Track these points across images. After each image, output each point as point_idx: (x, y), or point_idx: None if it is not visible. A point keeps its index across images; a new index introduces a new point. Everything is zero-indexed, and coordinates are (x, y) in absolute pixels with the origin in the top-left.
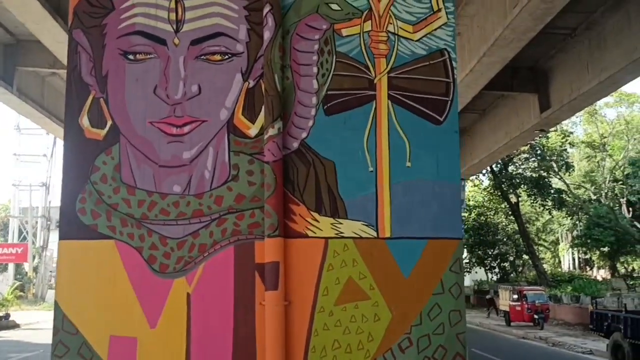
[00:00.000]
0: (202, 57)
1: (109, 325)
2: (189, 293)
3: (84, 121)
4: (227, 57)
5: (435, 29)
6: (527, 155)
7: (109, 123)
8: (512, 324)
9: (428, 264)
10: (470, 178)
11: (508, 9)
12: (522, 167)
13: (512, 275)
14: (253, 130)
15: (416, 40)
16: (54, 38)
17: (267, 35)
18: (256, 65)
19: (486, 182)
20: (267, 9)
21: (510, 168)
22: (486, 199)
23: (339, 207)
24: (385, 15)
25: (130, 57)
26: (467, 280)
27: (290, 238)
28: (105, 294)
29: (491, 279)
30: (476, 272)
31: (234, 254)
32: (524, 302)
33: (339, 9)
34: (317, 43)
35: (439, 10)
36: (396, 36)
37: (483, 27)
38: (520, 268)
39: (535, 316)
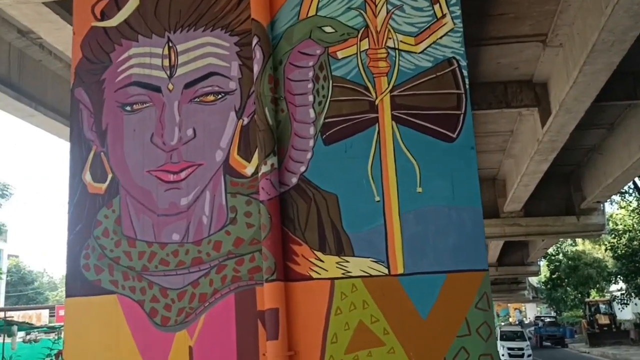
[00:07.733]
0: (196, 99)
1: None
2: (190, 346)
3: (87, 177)
4: (220, 96)
5: (441, 37)
6: None
7: (110, 176)
8: None
9: (449, 301)
10: (616, 200)
11: (603, 9)
12: None
13: None
14: (249, 169)
15: (419, 53)
16: None
17: (256, 68)
18: (249, 102)
19: (635, 204)
20: (255, 41)
21: None
22: (636, 221)
23: (345, 243)
24: (383, 30)
25: (128, 108)
26: (628, 313)
27: (293, 281)
28: (109, 352)
29: None
30: (635, 304)
31: (234, 303)
32: None
33: (333, 30)
34: (311, 70)
35: (444, 16)
36: (397, 51)
37: (583, 33)
38: None
39: None
